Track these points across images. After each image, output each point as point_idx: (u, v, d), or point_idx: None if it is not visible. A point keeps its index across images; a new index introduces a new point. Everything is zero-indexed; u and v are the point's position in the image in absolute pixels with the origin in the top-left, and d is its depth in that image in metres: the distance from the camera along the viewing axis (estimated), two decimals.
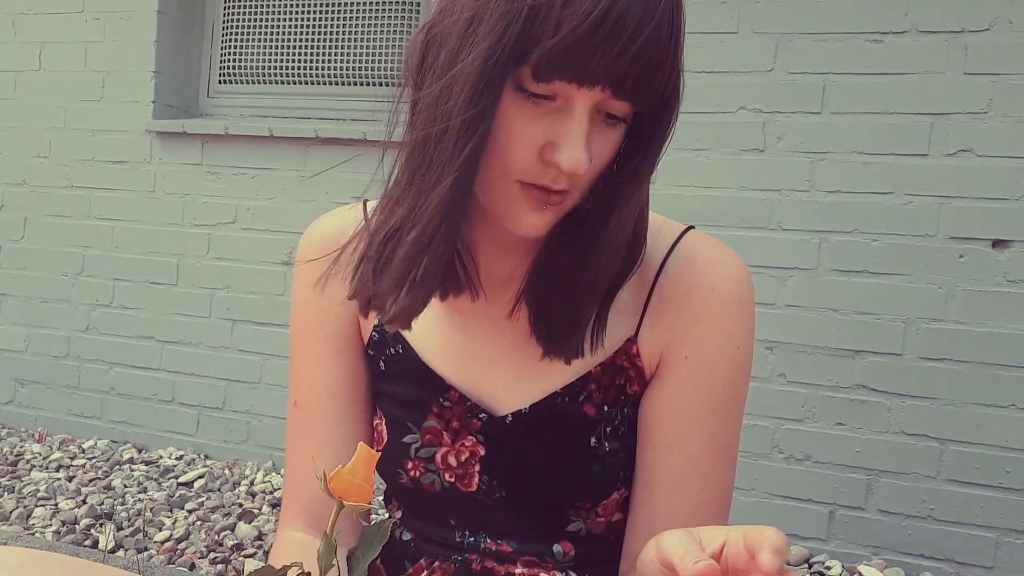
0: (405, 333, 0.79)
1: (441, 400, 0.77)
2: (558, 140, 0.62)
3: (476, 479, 0.76)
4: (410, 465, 0.78)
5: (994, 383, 2.11)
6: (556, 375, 0.75)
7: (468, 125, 0.61)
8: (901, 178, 2.18)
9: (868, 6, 2.19)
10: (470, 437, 0.76)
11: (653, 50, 0.60)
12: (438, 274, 0.66)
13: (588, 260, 0.68)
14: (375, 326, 0.80)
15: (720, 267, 0.74)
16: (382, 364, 0.81)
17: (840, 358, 2.24)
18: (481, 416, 0.76)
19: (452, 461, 0.77)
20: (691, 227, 0.77)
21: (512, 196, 0.65)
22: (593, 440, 0.75)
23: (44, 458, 2.88)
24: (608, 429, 0.75)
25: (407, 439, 0.78)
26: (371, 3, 2.91)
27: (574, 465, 0.75)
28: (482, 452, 0.76)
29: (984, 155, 2.11)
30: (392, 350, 0.80)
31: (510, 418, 0.75)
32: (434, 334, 0.78)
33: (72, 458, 2.89)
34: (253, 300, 2.90)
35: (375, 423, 0.82)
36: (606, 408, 0.75)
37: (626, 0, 0.58)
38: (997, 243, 2.11)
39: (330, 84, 2.96)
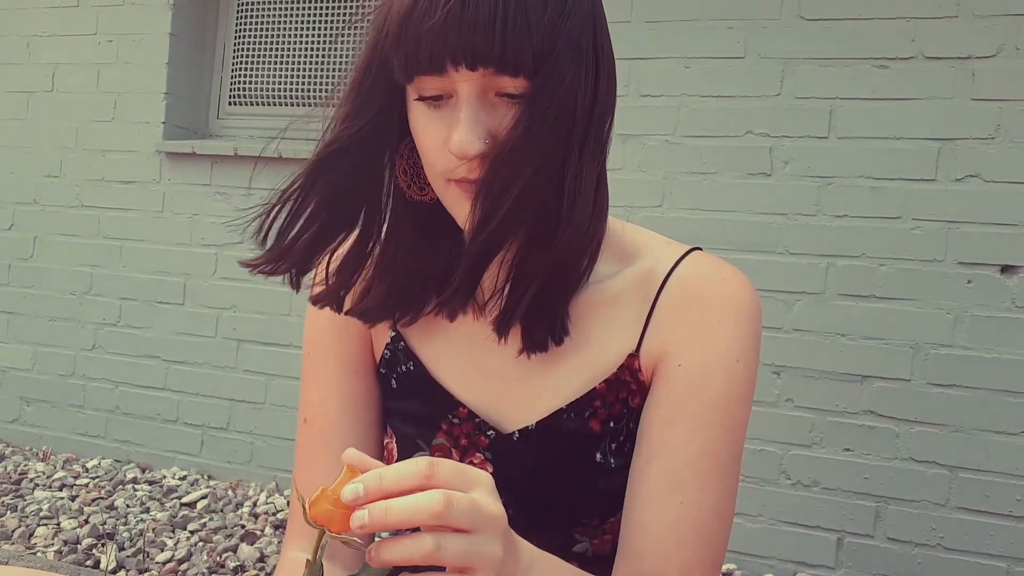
0: (417, 350, 0.80)
1: (450, 417, 0.78)
2: (450, 130, 0.65)
3: None
4: None
5: (1004, 410, 2.09)
6: (562, 392, 0.75)
7: (342, 117, 0.70)
8: (909, 203, 2.18)
9: (874, 32, 2.21)
10: (478, 455, 0.77)
11: (488, 17, 0.60)
12: (395, 270, 0.73)
13: (486, 237, 0.67)
14: (387, 344, 0.81)
15: (720, 280, 0.74)
16: (393, 382, 0.81)
17: (848, 383, 2.22)
18: (489, 433, 0.76)
19: None
20: (697, 248, 0.77)
21: (451, 195, 0.69)
22: (599, 456, 0.75)
23: (48, 477, 2.87)
24: (613, 445, 0.75)
25: (417, 457, 0.79)
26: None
27: (580, 482, 0.75)
28: (490, 470, 0.76)
29: (992, 180, 2.11)
30: (404, 367, 0.80)
31: (517, 435, 0.76)
32: (445, 351, 0.79)
33: (75, 477, 2.88)
34: (259, 320, 2.90)
35: (385, 442, 0.83)
36: (612, 424, 0.75)
37: None
38: (1006, 268, 2.10)
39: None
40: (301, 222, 0.72)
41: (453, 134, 0.64)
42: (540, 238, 0.67)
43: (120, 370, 3.09)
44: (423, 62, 0.63)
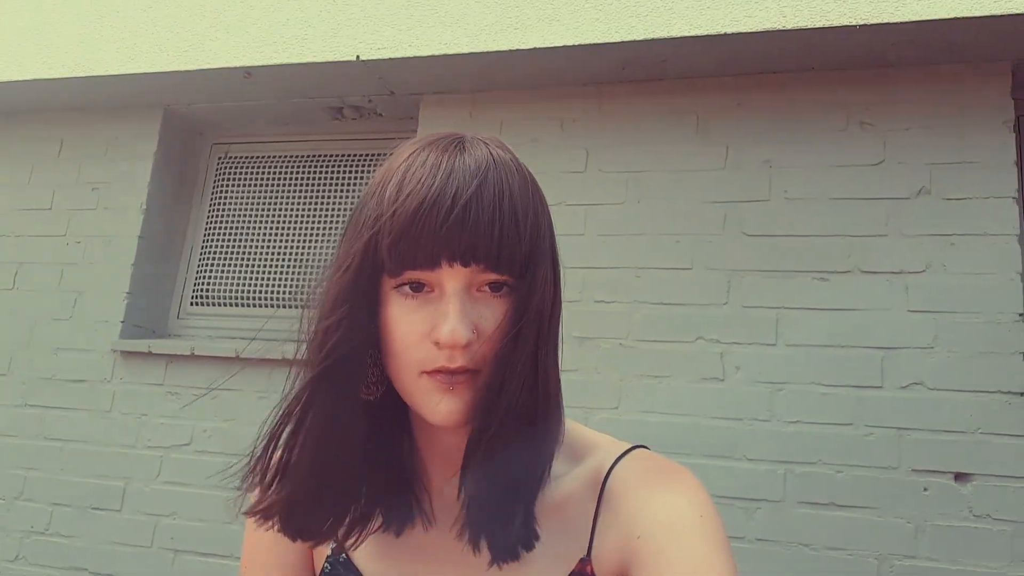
0: (359, 564, 0.75)
1: None
2: (437, 321, 0.66)
3: None
4: None
5: None
6: None
7: (330, 330, 0.68)
8: (859, 409, 2.21)
9: (812, 247, 2.35)
10: None
11: (488, 221, 0.65)
12: (338, 483, 0.69)
13: (490, 437, 0.66)
14: (327, 556, 0.77)
15: (662, 469, 0.72)
16: None
17: None
18: None
19: None
20: (640, 446, 0.76)
21: (423, 388, 0.67)
22: None
23: None
24: None
25: None
26: (339, 230, 3.05)
27: None
28: None
29: (936, 388, 2.17)
30: None
31: None
32: (388, 565, 0.75)
33: None
34: (199, 528, 2.74)
35: None
36: None
37: (442, 184, 0.65)
38: (959, 476, 2.11)
39: (299, 308, 3.02)
40: (307, 444, 0.69)
41: (443, 325, 0.65)
42: (519, 439, 0.67)
43: None
44: (421, 259, 0.65)
